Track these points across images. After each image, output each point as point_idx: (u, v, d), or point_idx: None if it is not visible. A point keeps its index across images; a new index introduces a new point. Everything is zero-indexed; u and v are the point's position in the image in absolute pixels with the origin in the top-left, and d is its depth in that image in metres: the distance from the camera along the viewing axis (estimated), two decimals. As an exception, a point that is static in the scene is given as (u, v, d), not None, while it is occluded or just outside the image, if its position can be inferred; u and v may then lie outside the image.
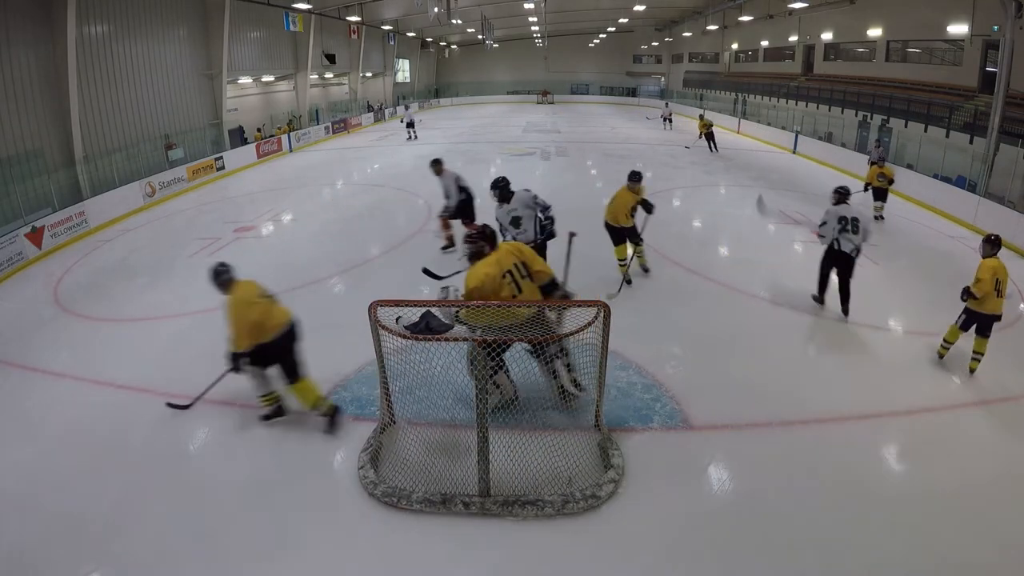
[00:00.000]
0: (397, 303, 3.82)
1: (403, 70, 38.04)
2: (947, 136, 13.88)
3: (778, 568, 3.28)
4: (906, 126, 15.44)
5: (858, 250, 6.15)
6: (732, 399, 4.83)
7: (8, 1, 10.53)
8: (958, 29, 15.84)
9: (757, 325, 6.29)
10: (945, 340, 5.55)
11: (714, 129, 18.60)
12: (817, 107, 20.87)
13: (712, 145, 18.43)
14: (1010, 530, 3.53)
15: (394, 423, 4.35)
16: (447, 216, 7.71)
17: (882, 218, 10.42)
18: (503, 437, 3.83)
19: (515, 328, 3.83)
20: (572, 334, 3.68)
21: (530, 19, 30.48)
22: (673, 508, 3.69)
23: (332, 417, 4.42)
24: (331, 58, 25.74)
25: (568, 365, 4.37)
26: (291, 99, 23.84)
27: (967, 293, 5.23)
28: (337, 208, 12.22)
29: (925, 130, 14.67)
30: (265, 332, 4.29)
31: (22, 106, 11.07)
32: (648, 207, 7.06)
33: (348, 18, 24.15)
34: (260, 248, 9.36)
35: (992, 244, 5.23)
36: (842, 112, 19.19)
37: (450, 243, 8.33)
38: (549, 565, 3.31)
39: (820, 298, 6.60)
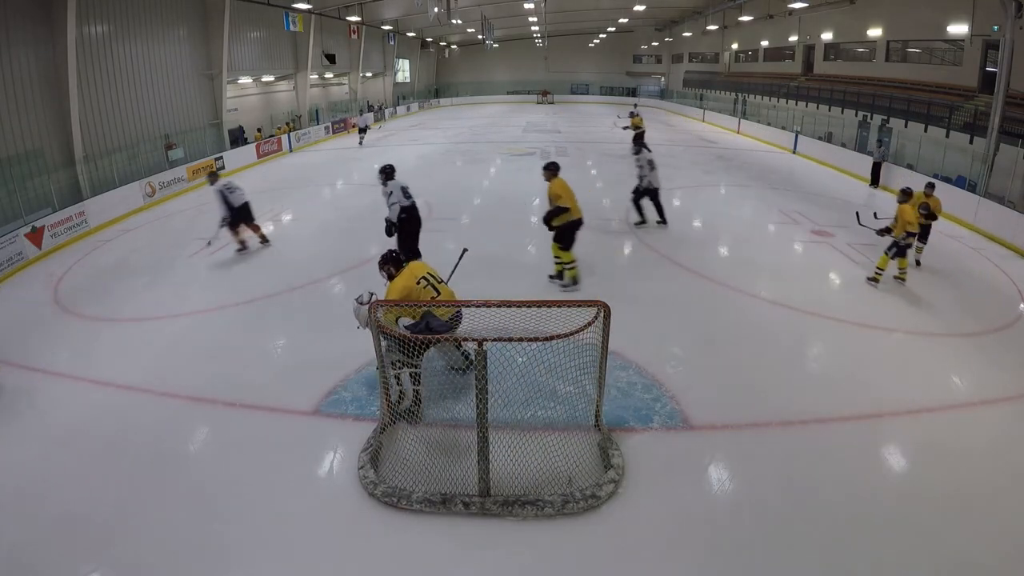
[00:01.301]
0: (397, 303, 3.83)
1: (403, 70, 38.05)
2: (947, 136, 13.88)
3: (778, 568, 3.28)
4: (906, 126, 15.44)
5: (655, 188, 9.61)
6: (732, 399, 4.83)
7: (8, 1, 10.53)
8: (958, 29, 15.84)
9: (757, 325, 6.29)
10: (878, 268, 7.40)
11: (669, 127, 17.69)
12: (817, 107, 20.87)
13: (641, 146, 17.18)
14: (1010, 530, 3.53)
15: (394, 423, 4.35)
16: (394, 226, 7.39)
17: (919, 263, 7.95)
18: (503, 437, 3.83)
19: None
20: (572, 334, 3.68)
21: (530, 19, 30.49)
22: (673, 508, 3.70)
23: None
24: (331, 58, 25.74)
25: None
26: (291, 99, 23.84)
27: (887, 232, 7.28)
28: (337, 208, 12.22)
29: (925, 130, 14.67)
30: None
31: (22, 106, 11.07)
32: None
33: (348, 18, 24.16)
34: (260, 248, 9.36)
35: (905, 194, 7.50)
36: (842, 112, 19.20)
37: (243, 246, 8.80)
38: (549, 565, 3.31)
39: (642, 220, 9.81)
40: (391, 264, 4.86)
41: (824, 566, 3.29)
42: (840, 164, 15.75)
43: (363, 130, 21.64)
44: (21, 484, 4.02)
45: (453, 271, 5.67)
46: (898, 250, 7.17)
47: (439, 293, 4.65)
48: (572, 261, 7.13)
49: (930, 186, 8.46)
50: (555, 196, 6.86)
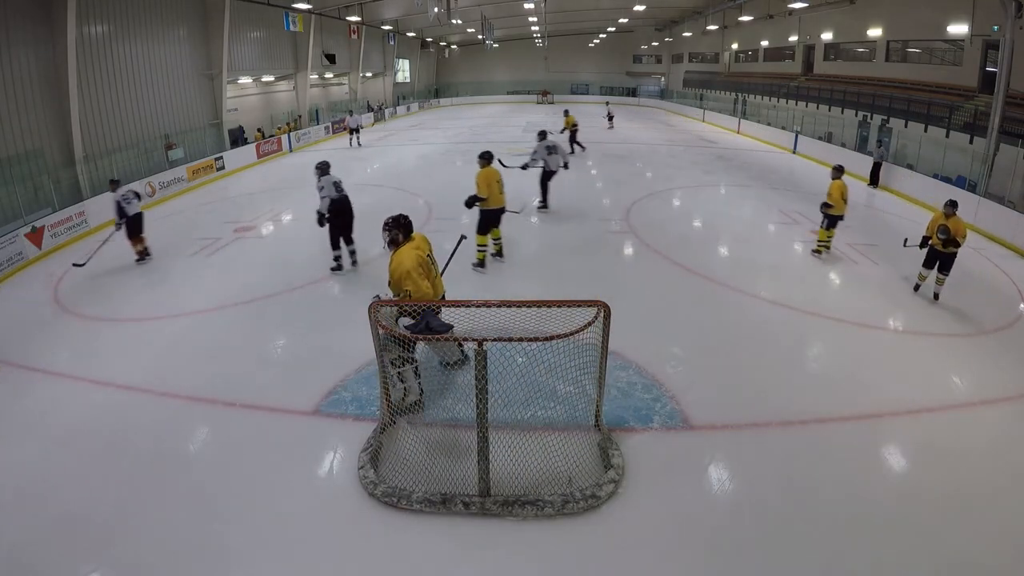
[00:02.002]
0: (397, 303, 3.83)
1: (403, 70, 38.04)
2: (947, 136, 13.88)
3: (778, 568, 3.28)
4: (906, 126, 15.45)
5: (562, 166, 10.63)
6: (732, 399, 4.83)
7: (8, 1, 10.52)
8: (958, 29, 15.85)
9: (757, 325, 6.29)
10: (819, 242, 8.39)
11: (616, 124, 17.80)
12: (817, 107, 20.87)
13: (576, 144, 17.79)
14: (1010, 530, 3.53)
15: (394, 423, 4.35)
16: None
17: (937, 297, 6.93)
18: (503, 437, 3.83)
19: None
20: (572, 334, 3.68)
21: (530, 19, 30.48)
22: (673, 508, 3.70)
23: None
24: (331, 58, 25.74)
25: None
26: (291, 99, 23.84)
27: (825, 207, 8.18)
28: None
29: (925, 130, 14.68)
30: None
31: (22, 106, 11.07)
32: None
33: (348, 18, 24.16)
34: (260, 248, 9.36)
35: (837, 171, 8.36)
36: (842, 112, 19.20)
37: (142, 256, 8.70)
38: (549, 565, 3.31)
39: (544, 204, 10.91)
40: (401, 230, 4.48)
41: (824, 566, 3.29)
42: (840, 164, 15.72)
43: (354, 131, 21.56)
44: (21, 484, 4.02)
45: (450, 260, 5.64)
46: (830, 221, 8.26)
47: (437, 274, 4.64)
48: (484, 244, 7.81)
49: (951, 204, 6.70)
50: (477, 185, 7.60)
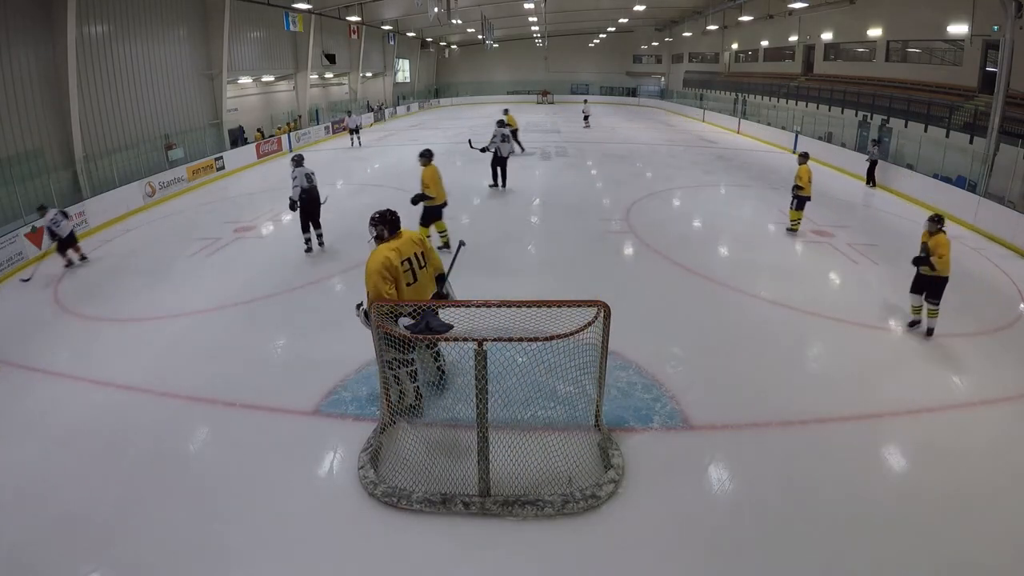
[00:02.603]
0: (397, 303, 3.83)
1: (403, 70, 38.04)
2: (947, 136, 13.88)
3: (778, 568, 3.28)
4: (906, 126, 15.45)
5: (512, 152, 12.87)
6: (732, 399, 4.83)
7: (8, 1, 10.52)
8: (958, 29, 15.84)
9: (757, 325, 6.29)
10: (792, 221, 9.51)
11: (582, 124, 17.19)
12: (817, 107, 20.87)
13: (516, 144, 17.05)
14: (1011, 530, 3.53)
15: (394, 423, 4.35)
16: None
17: (930, 332, 6.03)
18: (503, 437, 3.83)
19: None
20: (572, 334, 3.68)
21: (530, 19, 30.48)
22: (673, 508, 3.70)
23: None
24: (331, 58, 25.73)
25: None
26: (291, 99, 23.83)
27: (796, 189, 9.23)
28: (337, 208, 12.20)
29: (925, 130, 14.68)
30: None
31: (22, 106, 11.07)
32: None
33: (348, 18, 24.15)
34: (260, 248, 9.36)
35: (803, 157, 9.48)
36: (842, 112, 19.19)
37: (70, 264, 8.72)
38: (549, 565, 3.31)
39: (495, 184, 12.70)
40: (387, 226, 4.36)
41: (824, 566, 3.29)
42: (840, 164, 15.75)
43: (354, 131, 21.58)
44: (21, 484, 4.02)
45: (452, 265, 5.63)
46: (799, 203, 9.28)
47: (416, 280, 4.32)
48: (427, 236, 8.10)
49: (935, 221, 5.97)
50: (424, 183, 8.11)
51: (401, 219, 4.52)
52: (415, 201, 8.15)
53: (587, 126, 25.04)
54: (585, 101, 28.93)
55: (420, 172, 8.21)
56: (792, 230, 9.55)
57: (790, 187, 9.58)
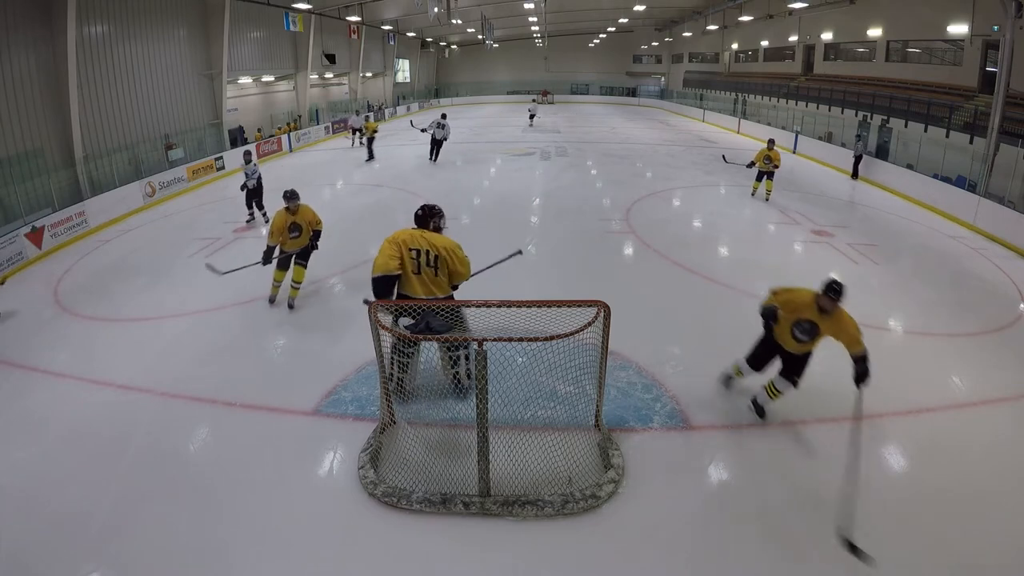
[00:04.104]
0: (397, 303, 3.83)
1: (403, 70, 38.03)
2: (947, 136, 13.89)
3: (778, 568, 3.28)
4: (906, 126, 15.45)
5: (444, 139, 16.05)
6: (732, 399, 4.83)
7: (8, 1, 10.52)
8: (958, 29, 15.85)
9: (757, 325, 6.26)
10: (764, 190, 11.65)
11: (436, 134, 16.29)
12: (817, 107, 20.87)
13: (369, 149, 17.47)
14: (1011, 530, 3.53)
15: (394, 423, 4.35)
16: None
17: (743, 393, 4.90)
18: (503, 437, 3.83)
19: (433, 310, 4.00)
20: (572, 334, 3.68)
21: (530, 19, 30.49)
22: (673, 508, 3.70)
23: None
24: (331, 58, 25.73)
25: (467, 356, 4.52)
26: (291, 99, 23.83)
27: (751, 165, 11.87)
28: (337, 208, 12.21)
29: (925, 130, 14.69)
30: None
31: (22, 106, 11.06)
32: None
33: (348, 18, 24.14)
34: (260, 248, 9.33)
35: (770, 144, 11.65)
36: (842, 112, 19.20)
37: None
38: (549, 565, 3.31)
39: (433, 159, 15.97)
40: (417, 220, 4.59)
41: (824, 566, 3.28)
42: (841, 164, 15.75)
43: (356, 131, 21.52)
44: (21, 484, 4.02)
45: (491, 266, 5.45)
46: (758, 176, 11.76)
47: (420, 272, 4.37)
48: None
49: (831, 291, 4.19)
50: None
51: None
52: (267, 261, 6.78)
53: (531, 125, 25.86)
54: (533, 100, 29.43)
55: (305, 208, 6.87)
56: (758, 189, 12.08)
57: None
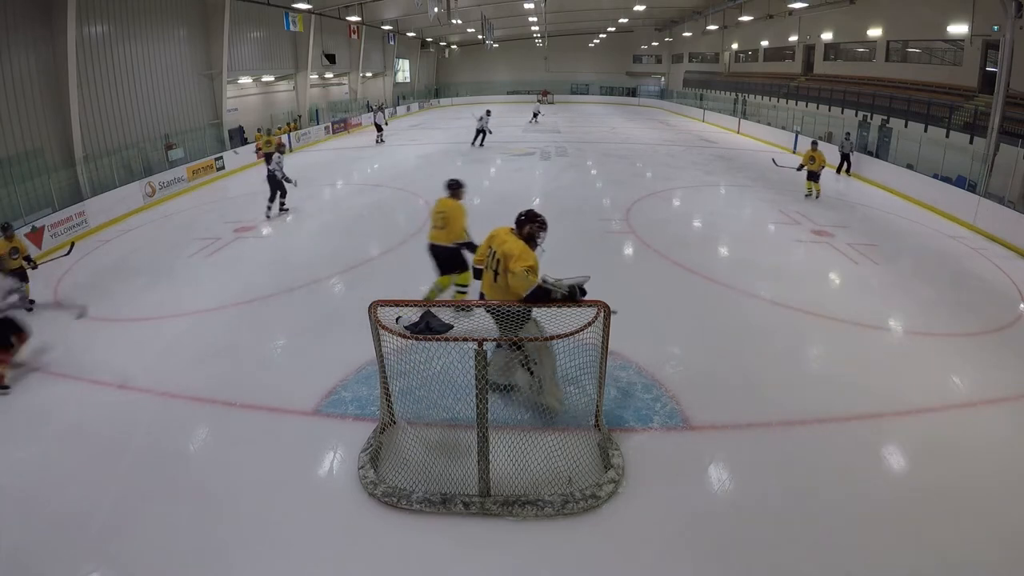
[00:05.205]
0: (397, 303, 3.83)
1: (403, 70, 38.02)
2: (947, 136, 13.89)
3: (778, 568, 3.28)
4: (906, 126, 15.45)
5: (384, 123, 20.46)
6: (732, 399, 4.83)
7: (8, 1, 10.52)
8: (958, 29, 15.85)
9: (757, 325, 6.29)
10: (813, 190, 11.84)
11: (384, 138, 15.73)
12: (817, 107, 20.87)
13: (270, 168, 14.64)
14: (1011, 530, 3.53)
15: (394, 423, 4.35)
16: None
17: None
18: (503, 437, 3.83)
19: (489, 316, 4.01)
20: (572, 334, 3.67)
21: (530, 19, 30.47)
22: (673, 508, 3.69)
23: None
24: (331, 58, 25.72)
25: (540, 381, 4.29)
26: (291, 99, 23.82)
27: (800, 167, 12.18)
28: (337, 208, 12.22)
29: (925, 130, 14.68)
30: None
31: (22, 106, 11.06)
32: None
33: (348, 18, 24.14)
34: (260, 248, 9.36)
35: (813, 145, 12.00)
36: (842, 112, 19.20)
37: None
38: (549, 565, 3.31)
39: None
40: (517, 222, 4.35)
41: (824, 566, 3.28)
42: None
43: (380, 128, 22.10)
44: (21, 484, 4.02)
45: (564, 284, 4.24)
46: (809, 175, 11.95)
47: (487, 273, 4.30)
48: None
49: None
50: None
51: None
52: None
53: (536, 122, 27.10)
54: (538, 101, 30.93)
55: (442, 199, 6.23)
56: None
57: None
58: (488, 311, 3.98)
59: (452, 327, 3.84)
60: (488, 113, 19.92)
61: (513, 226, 4.38)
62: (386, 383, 4.09)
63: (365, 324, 3.86)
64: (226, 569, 3.31)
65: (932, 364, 5.50)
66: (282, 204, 11.24)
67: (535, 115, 27.89)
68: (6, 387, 5.23)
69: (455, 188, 6.15)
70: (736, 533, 3.49)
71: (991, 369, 5.38)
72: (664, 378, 5.11)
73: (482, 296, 4.44)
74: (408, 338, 3.67)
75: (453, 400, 4.42)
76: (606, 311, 3.69)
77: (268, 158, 14.94)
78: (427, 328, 3.80)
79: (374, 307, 3.75)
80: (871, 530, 3.50)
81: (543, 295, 3.83)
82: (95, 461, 4.22)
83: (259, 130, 20.42)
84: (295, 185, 11.20)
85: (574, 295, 3.84)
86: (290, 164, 17.93)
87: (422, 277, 6.54)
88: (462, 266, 6.14)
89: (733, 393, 4.92)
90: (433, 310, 3.87)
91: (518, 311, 3.92)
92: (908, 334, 6.19)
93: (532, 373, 4.30)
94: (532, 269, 3.96)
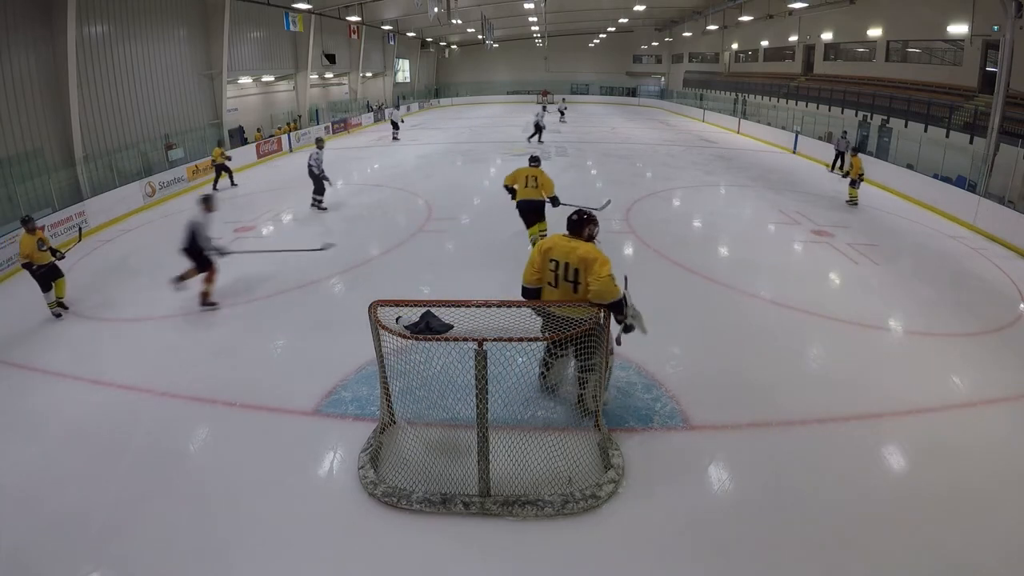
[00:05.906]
0: (397, 303, 3.83)
1: (403, 70, 38.03)
2: (947, 136, 13.89)
3: (778, 568, 3.28)
4: (906, 126, 15.46)
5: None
6: (732, 399, 4.82)
7: (8, 1, 10.53)
8: (958, 29, 15.85)
9: (757, 325, 6.29)
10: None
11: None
12: (817, 107, 20.87)
13: (221, 181, 13.97)
14: (1011, 530, 3.53)
15: (394, 423, 4.35)
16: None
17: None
18: (503, 437, 3.83)
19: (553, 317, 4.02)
20: (572, 334, 3.67)
21: (530, 19, 30.48)
22: (673, 508, 3.69)
23: None
24: (331, 58, 25.73)
25: (583, 383, 4.27)
26: (291, 99, 23.83)
27: (846, 175, 12.01)
28: (337, 208, 12.21)
29: (925, 130, 14.69)
30: None
31: (22, 106, 11.07)
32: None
33: (348, 18, 24.15)
34: (260, 248, 9.35)
35: (853, 151, 11.77)
36: (842, 112, 19.20)
37: None
38: (549, 565, 3.31)
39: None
40: (570, 225, 4.20)
41: (824, 566, 3.28)
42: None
43: (396, 125, 22.37)
44: (21, 484, 4.02)
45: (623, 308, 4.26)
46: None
47: (556, 286, 4.10)
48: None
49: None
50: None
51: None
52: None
53: (563, 120, 27.24)
54: (563, 99, 30.62)
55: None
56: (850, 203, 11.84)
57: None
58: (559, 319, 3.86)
59: (452, 327, 3.84)
60: (544, 108, 21.26)
61: (566, 231, 4.20)
62: (386, 383, 4.09)
63: (365, 324, 3.86)
64: (226, 569, 3.31)
65: (932, 364, 5.50)
66: (318, 201, 11.43)
67: (562, 113, 27.86)
68: (214, 303, 6.49)
69: (538, 161, 8.69)
70: (736, 533, 3.49)
71: (991, 369, 5.38)
72: (664, 378, 5.12)
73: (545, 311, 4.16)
74: (408, 338, 3.67)
75: (453, 400, 4.42)
76: (606, 311, 3.69)
77: (219, 170, 13.99)
78: (427, 328, 3.80)
79: (374, 307, 3.75)
80: (871, 530, 3.49)
81: (620, 305, 3.83)
82: (95, 461, 4.22)
83: (258, 130, 20.46)
84: (331, 184, 11.62)
85: (637, 317, 3.98)
86: (290, 164, 18.03)
87: (422, 277, 6.55)
88: (543, 217, 8.30)
89: (733, 393, 4.92)
90: (433, 310, 3.87)
91: (599, 328, 3.83)
92: (908, 334, 6.19)
93: (587, 383, 4.21)
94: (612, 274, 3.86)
